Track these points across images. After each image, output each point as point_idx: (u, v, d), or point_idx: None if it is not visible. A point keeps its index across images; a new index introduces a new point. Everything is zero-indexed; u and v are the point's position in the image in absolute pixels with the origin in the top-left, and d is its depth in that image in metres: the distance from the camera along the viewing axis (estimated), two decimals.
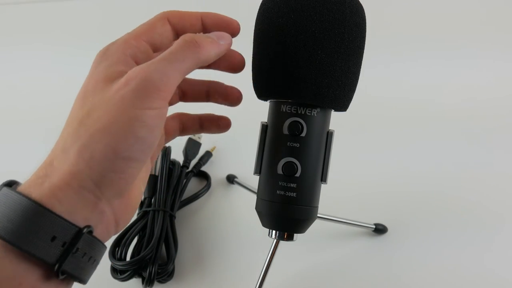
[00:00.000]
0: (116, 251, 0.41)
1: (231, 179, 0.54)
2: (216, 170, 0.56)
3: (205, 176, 0.55)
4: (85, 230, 0.23)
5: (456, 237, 0.45)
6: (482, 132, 0.59)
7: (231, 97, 0.35)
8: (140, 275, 0.41)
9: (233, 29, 0.31)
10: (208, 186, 0.53)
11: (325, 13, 0.29)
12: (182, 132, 0.37)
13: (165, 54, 0.26)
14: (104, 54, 0.27)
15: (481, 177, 0.53)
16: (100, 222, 0.25)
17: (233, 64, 0.33)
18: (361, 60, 0.32)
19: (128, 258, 0.41)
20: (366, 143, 0.59)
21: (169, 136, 0.36)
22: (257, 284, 0.36)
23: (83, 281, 0.24)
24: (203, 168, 0.56)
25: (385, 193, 0.51)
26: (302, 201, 0.31)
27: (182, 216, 0.50)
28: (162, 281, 0.42)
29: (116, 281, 0.41)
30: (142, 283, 0.41)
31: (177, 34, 0.30)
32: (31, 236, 0.21)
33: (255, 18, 0.33)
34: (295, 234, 0.33)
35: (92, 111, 0.24)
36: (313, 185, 0.32)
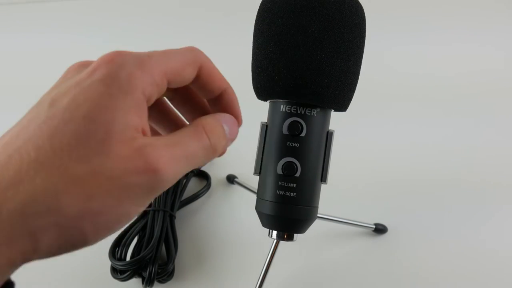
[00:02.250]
0: (116, 251, 0.41)
1: (231, 179, 0.54)
2: (216, 170, 0.56)
3: (205, 176, 0.55)
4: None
5: (456, 237, 0.45)
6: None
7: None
8: (140, 275, 0.41)
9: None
10: (208, 186, 0.53)
11: (324, 13, 0.29)
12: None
13: (183, 149, 0.22)
14: (117, 78, 0.20)
15: (481, 177, 0.53)
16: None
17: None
18: (361, 60, 0.32)
19: (128, 258, 0.41)
20: (366, 143, 0.59)
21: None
22: (257, 284, 0.36)
23: None
24: (203, 168, 0.56)
25: (385, 193, 0.51)
26: (302, 201, 0.31)
27: (182, 216, 0.50)
28: (162, 281, 0.42)
29: (116, 281, 0.41)
30: (142, 283, 0.41)
31: (195, 82, 0.26)
32: None
33: (254, 18, 0.33)
34: (295, 234, 0.33)
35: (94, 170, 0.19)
36: (313, 185, 0.32)
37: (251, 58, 0.33)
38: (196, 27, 0.72)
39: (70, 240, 0.19)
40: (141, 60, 0.21)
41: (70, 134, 0.18)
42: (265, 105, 0.34)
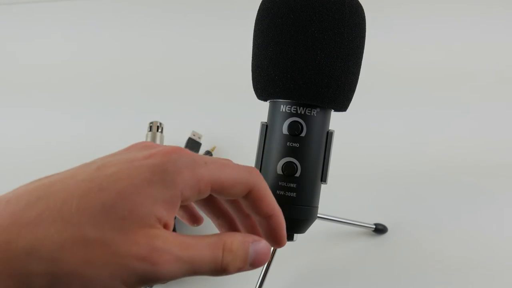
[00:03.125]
0: None
1: None
2: None
3: None
4: None
5: (456, 237, 0.46)
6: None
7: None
8: None
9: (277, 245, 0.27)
10: None
11: (324, 13, 0.29)
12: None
13: (191, 255, 0.22)
14: (164, 170, 0.21)
15: (483, 177, 0.53)
16: None
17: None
18: (361, 60, 0.32)
19: None
20: (366, 142, 0.59)
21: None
22: (257, 284, 0.36)
23: None
24: None
25: (385, 193, 0.51)
26: (302, 201, 0.31)
27: None
28: None
29: None
30: None
31: (244, 200, 0.25)
32: None
33: (254, 18, 0.33)
34: (295, 234, 0.33)
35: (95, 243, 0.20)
36: (313, 185, 0.32)
37: (251, 58, 0.33)
38: (196, 27, 0.72)
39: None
40: (195, 163, 0.22)
41: (98, 201, 0.20)
42: (265, 105, 0.34)
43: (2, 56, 0.79)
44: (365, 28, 0.31)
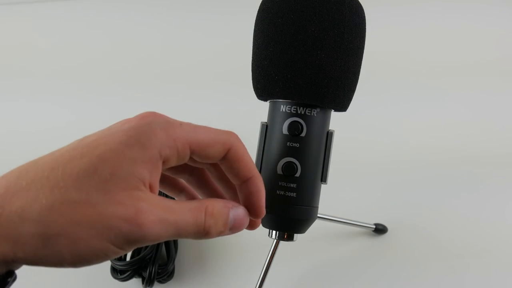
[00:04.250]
0: None
1: None
2: None
3: None
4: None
5: (456, 237, 0.46)
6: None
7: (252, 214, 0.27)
8: (140, 275, 0.41)
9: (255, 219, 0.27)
10: None
11: (324, 13, 0.29)
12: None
13: (175, 218, 0.22)
14: (139, 132, 0.22)
15: (482, 177, 0.53)
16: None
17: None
18: (361, 60, 0.32)
19: (128, 258, 0.41)
20: (366, 142, 0.59)
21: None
22: (257, 284, 0.36)
23: None
24: None
25: (385, 193, 0.51)
26: (302, 201, 0.31)
27: None
28: (162, 281, 0.42)
29: (116, 281, 0.41)
30: (142, 283, 0.41)
31: (223, 163, 0.26)
32: None
33: (254, 18, 0.33)
34: (295, 234, 0.33)
35: (87, 203, 0.21)
36: (313, 185, 0.32)
37: (251, 58, 0.33)
38: (196, 27, 0.72)
39: (47, 256, 0.21)
40: (170, 124, 0.23)
41: (81, 167, 0.21)
42: (265, 105, 0.34)
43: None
44: (365, 28, 0.31)
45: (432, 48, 0.68)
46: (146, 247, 0.41)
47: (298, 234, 0.33)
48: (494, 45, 0.66)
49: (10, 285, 0.21)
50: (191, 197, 0.29)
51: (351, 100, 0.32)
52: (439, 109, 0.64)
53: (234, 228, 0.25)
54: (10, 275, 0.21)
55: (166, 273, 0.41)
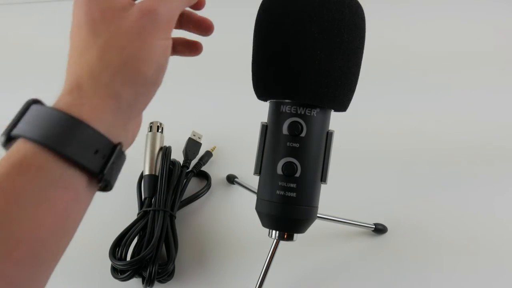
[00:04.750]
0: (117, 251, 0.41)
1: (231, 179, 0.54)
2: (216, 170, 0.56)
3: (205, 176, 0.55)
4: (119, 146, 0.26)
5: (456, 237, 0.46)
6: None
7: (203, 25, 0.35)
8: (140, 275, 0.41)
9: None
10: (208, 186, 0.53)
11: (324, 13, 0.29)
12: None
13: None
14: None
15: (482, 177, 0.53)
16: (125, 139, 0.28)
17: (202, 26, 0.35)
18: (361, 60, 0.32)
19: (128, 258, 0.41)
20: (366, 142, 0.59)
21: None
22: (257, 284, 0.36)
23: (111, 187, 0.27)
24: (203, 168, 0.56)
25: (385, 193, 0.51)
26: (302, 201, 0.32)
27: (182, 216, 0.50)
28: (162, 281, 0.42)
29: (116, 281, 0.41)
30: (142, 283, 0.41)
31: None
32: (80, 148, 0.24)
33: (254, 19, 0.33)
34: (295, 234, 0.33)
35: (113, 40, 0.26)
36: (313, 185, 0.32)
37: (251, 58, 0.33)
38: None
39: (135, 78, 0.26)
40: None
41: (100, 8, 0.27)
42: (265, 105, 0.34)
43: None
44: (365, 29, 0.31)
45: (429, 42, 0.68)
46: (146, 247, 0.41)
47: (298, 234, 0.33)
48: (496, 38, 0.66)
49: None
50: None
51: (350, 100, 0.33)
52: (439, 108, 0.64)
53: None
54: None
55: (166, 273, 0.41)
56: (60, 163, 0.24)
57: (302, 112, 0.31)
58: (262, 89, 0.32)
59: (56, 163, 0.24)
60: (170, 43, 0.28)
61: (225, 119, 0.63)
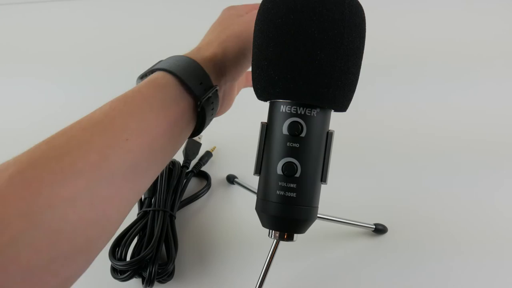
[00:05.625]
0: (116, 251, 0.41)
1: (231, 179, 0.54)
2: (216, 170, 0.56)
3: (205, 176, 0.55)
4: (215, 86, 0.36)
5: (456, 237, 0.46)
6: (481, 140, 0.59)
7: None
8: (140, 275, 0.41)
9: None
10: (208, 186, 0.53)
11: (324, 13, 0.29)
12: None
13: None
14: (232, 7, 0.43)
15: (483, 176, 0.53)
16: (221, 91, 0.38)
17: None
18: (361, 60, 0.32)
19: (128, 258, 0.41)
20: (366, 142, 0.59)
21: None
22: (257, 284, 0.36)
23: (204, 123, 0.37)
24: (203, 168, 0.56)
25: (385, 193, 0.51)
26: (302, 201, 0.31)
27: (182, 216, 0.50)
28: (162, 281, 0.42)
29: (116, 281, 0.41)
30: (142, 283, 0.41)
31: None
32: (191, 78, 0.34)
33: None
34: (295, 234, 0.33)
35: (230, 26, 0.39)
36: (313, 186, 0.32)
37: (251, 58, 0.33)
38: (196, 25, 0.72)
39: (243, 48, 0.38)
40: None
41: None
42: (265, 105, 0.34)
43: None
44: (365, 29, 0.31)
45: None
46: (146, 247, 0.41)
47: (298, 234, 0.33)
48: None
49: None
50: None
51: (351, 100, 0.32)
52: (439, 108, 0.64)
53: None
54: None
55: (166, 273, 0.41)
56: (178, 86, 0.33)
57: (302, 112, 0.31)
58: (262, 89, 0.32)
59: (175, 85, 0.33)
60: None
61: (225, 119, 0.63)
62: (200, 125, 0.36)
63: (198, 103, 0.34)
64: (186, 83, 0.33)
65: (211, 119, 0.38)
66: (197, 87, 0.34)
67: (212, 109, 0.36)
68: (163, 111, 0.31)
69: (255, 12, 0.33)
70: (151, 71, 0.35)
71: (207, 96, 0.35)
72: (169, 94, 0.33)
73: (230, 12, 0.41)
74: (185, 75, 0.34)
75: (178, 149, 0.34)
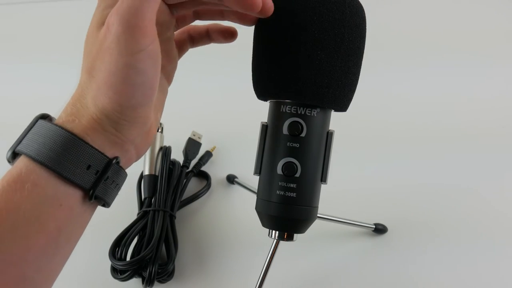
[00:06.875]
0: (116, 251, 0.41)
1: (231, 179, 0.54)
2: (216, 170, 0.56)
3: (205, 176, 0.55)
4: (114, 161, 0.26)
5: (456, 237, 0.45)
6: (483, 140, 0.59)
7: (228, 33, 0.35)
8: (140, 275, 0.41)
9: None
10: (208, 186, 0.53)
11: (325, 13, 0.29)
12: (193, 44, 0.37)
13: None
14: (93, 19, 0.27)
15: (481, 178, 0.53)
16: (125, 156, 0.27)
17: (227, 34, 0.35)
18: (361, 60, 0.32)
19: (128, 258, 0.41)
20: (366, 142, 0.59)
21: (181, 50, 0.36)
22: (257, 284, 0.36)
23: (108, 204, 0.27)
24: (203, 168, 0.56)
25: (385, 193, 0.51)
26: (302, 201, 0.31)
27: (182, 216, 0.50)
28: (162, 281, 0.42)
29: (116, 281, 0.41)
30: (142, 283, 0.41)
31: None
32: (70, 164, 0.24)
33: None
34: (295, 234, 0.33)
35: (95, 62, 0.25)
36: (313, 185, 0.32)
37: (251, 59, 0.33)
38: (195, 23, 0.72)
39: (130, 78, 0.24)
40: None
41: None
42: (265, 105, 0.34)
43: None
44: (365, 29, 0.31)
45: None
46: (146, 247, 0.41)
47: (298, 234, 0.33)
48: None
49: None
50: None
51: (351, 100, 0.32)
52: (439, 107, 0.64)
53: None
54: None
55: (166, 273, 0.41)
56: (54, 180, 0.24)
57: (302, 112, 0.31)
58: (262, 89, 0.32)
59: (50, 180, 0.23)
60: (151, 51, 0.25)
61: (225, 119, 0.63)
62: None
63: (90, 193, 0.25)
64: (64, 175, 0.24)
65: (117, 193, 0.28)
66: (84, 175, 0.24)
67: (117, 185, 0.27)
68: (37, 224, 0.23)
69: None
70: (13, 153, 0.25)
71: (101, 181, 0.25)
72: (43, 196, 0.23)
73: (93, 20, 0.27)
74: (62, 163, 0.24)
75: (76, 243, 0.27)
